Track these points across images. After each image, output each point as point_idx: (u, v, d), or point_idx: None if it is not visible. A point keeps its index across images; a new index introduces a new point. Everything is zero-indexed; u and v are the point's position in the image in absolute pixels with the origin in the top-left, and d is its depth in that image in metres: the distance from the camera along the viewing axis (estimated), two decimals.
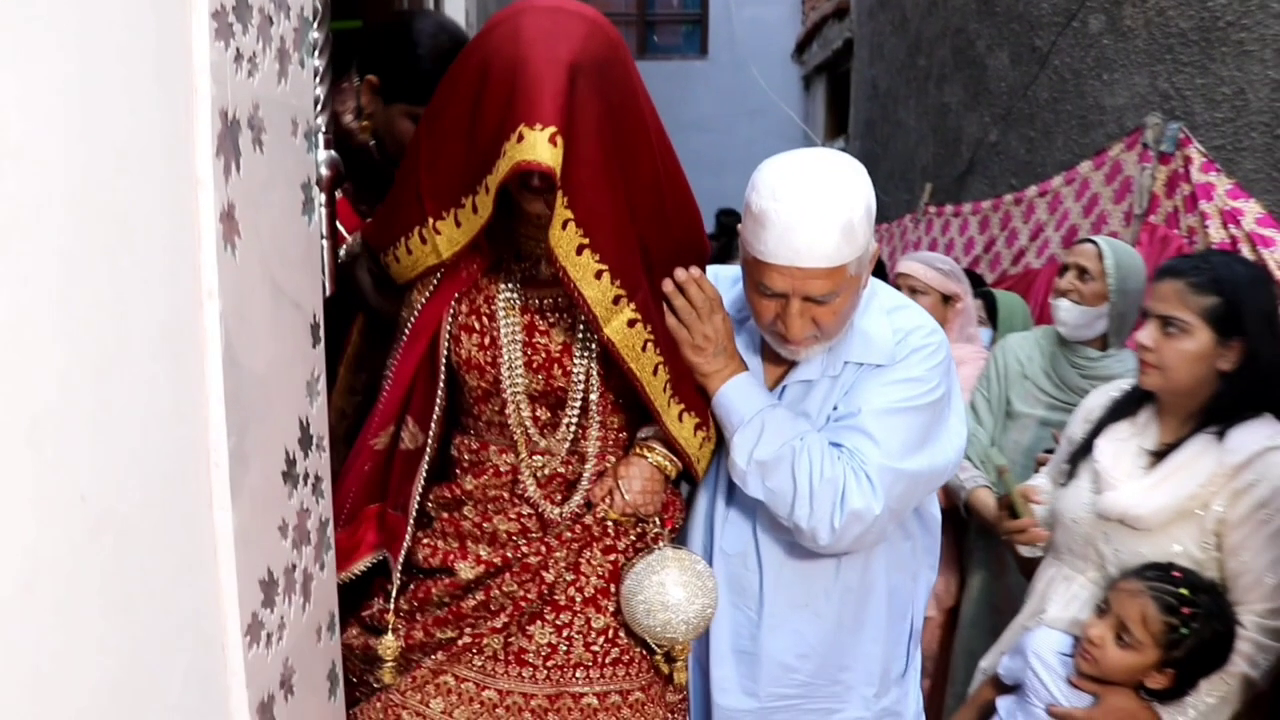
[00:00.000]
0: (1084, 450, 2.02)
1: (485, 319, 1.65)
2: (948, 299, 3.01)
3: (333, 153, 1.43)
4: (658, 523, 1.68)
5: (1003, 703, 1.95)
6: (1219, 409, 1.87)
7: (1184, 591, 1.73)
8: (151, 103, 0.96)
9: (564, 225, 1.44)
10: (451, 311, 1.66)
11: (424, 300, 1.66)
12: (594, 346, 1.61)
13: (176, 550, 1.02)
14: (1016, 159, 5.07)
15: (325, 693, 1.42)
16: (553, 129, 1.36)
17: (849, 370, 1.71)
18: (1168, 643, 1.72)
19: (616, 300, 1.51)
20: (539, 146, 1.36)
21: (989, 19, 5.44)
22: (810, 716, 1.78)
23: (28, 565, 0.78)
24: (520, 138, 1.37)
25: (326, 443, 1.40)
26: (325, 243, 1.43)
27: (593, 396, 1.64)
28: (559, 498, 1.67)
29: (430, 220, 1.58)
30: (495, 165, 1.42)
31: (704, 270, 1.72)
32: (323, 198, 1.41)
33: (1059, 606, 1.99)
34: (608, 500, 1.64)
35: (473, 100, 1.47)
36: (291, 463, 1.27)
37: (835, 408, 1.71)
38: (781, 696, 1.77)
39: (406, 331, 1.67)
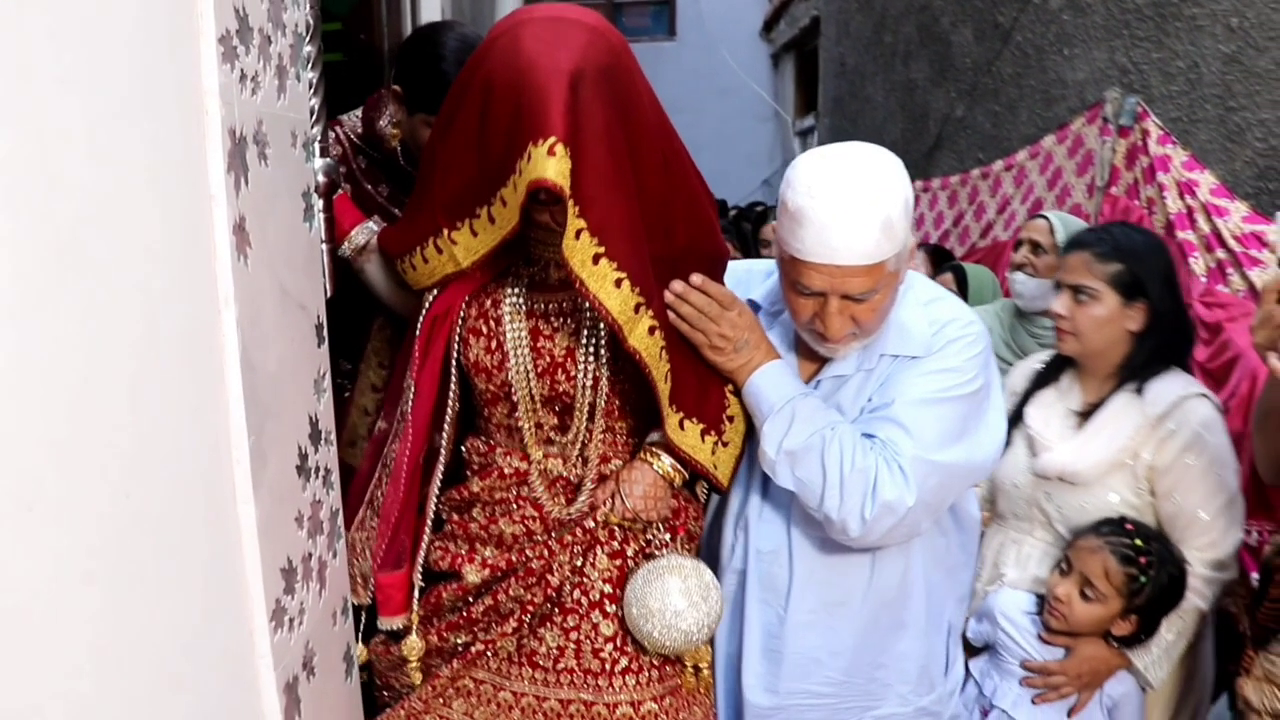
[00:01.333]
0: (1015, 420, 2.14)
1: (493, 322, 1.65)
2: None
3: (328, 160, 1.50)
4: (662, 529, 1.66)
5: (975, 664, 2.05)
6: (1133, 366, 2.02)
7: (1138, 542, 1.86)
8: (170, 127, 1.03)
9: (577, 235, 1.43)
10: (461, 315, 1.67)
11: (431, 298, 1.67)
12: (601, 352, 1.60)
13: (207, 541, 1.10)
14: (982, 133, 5.16)
15: (343, 674, 1.50)
16: (554, 140, 1.36)
17: (884, 363, 1.67)
18: (1130, 592, 1.84)
19: (638, 308, 1.50)
20: (546, 163, 1.36)
21: None
22: (845, 715, 1.76)
23: (87, 559, 0.86)
24: (529, 157, 1.38)
25: (334, 437, 1.48)
26: (324, 246, 1.50)
27: (599, 401, 1.63)
28: (565, 500, 1.67)
29: (445, 231, 1.59)
30: (511, 180, 1.43)
31: (724, 269, 1.71)
32: (321, 204, 1.49)
33: (1016, 569, 2.10)
34: (609, 504, 1.63)
35: (479, 114, 1.47)
36: (304, 457, 1.35)
37: (870, 400, 1.67)
38: (813, 694, 1.74)
39: (417, 333, 1.67)
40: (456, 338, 1.67)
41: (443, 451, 1.69)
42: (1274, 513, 2.25)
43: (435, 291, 1.66)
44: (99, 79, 0.90)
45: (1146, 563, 1.84)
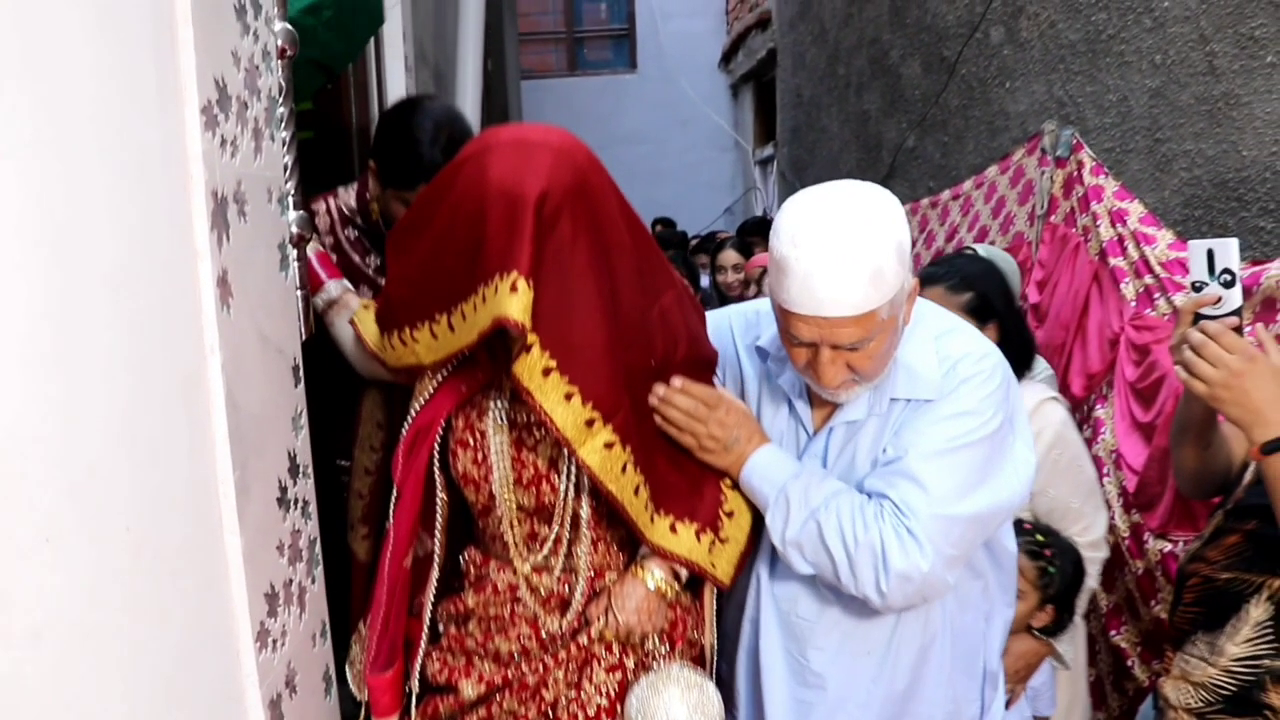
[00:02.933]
0: None
1: (478, 434, 1.64)
2: None
3: (302, 213, 1.61)
4: (659, 641, 1.66)
5: None
6: None
7: (1040, 537, 2.05)
8: (159, 192, 1.14)
9: (528, 349, 1.45)
10: (448, 425, 1.67)
11: (418, 409, 1.67)
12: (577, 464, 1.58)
13: (197, 569, 1.20)
14: (933, 163, 5.33)
15: (322, 692, 1.59)
16: (516, 274, 1.39)
17: (896, 407, 1.62)
18: (1042, 584, 2.01)
19: (590, 423, 1.49)
20: (506, 299, 1.39)
21: (900, 30, 5.71)
22: None
23: (94, 585, 0.96)
24: (496, 290, 1.41)
25: (311, 470, 1.58)
26: (300, 293, 1.61)
27: (582, 511, 1.61)
28: (557, 614, 1.66)
29: (407, 327, 1.61)
30: (472, 300, 1.46)
31: (713, 372, 1.72)
32: (294, 253, 1.59)
33: None
34: (602, 619, 1.62)
35: (444, 232, 1.50)
36: (284, 489, 1.45)
37: (885, 450, 1.61)
38: None
39: (402, 442, 1.66)
40: (439, 449, 1.66)
41: (436, 560, 1.70)
42: (1197, 523, 2.39)
43: (421, 401, 1.67)
44: (99, 150, 1.00)
45: (1051, 555, 2.02)
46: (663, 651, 1.66)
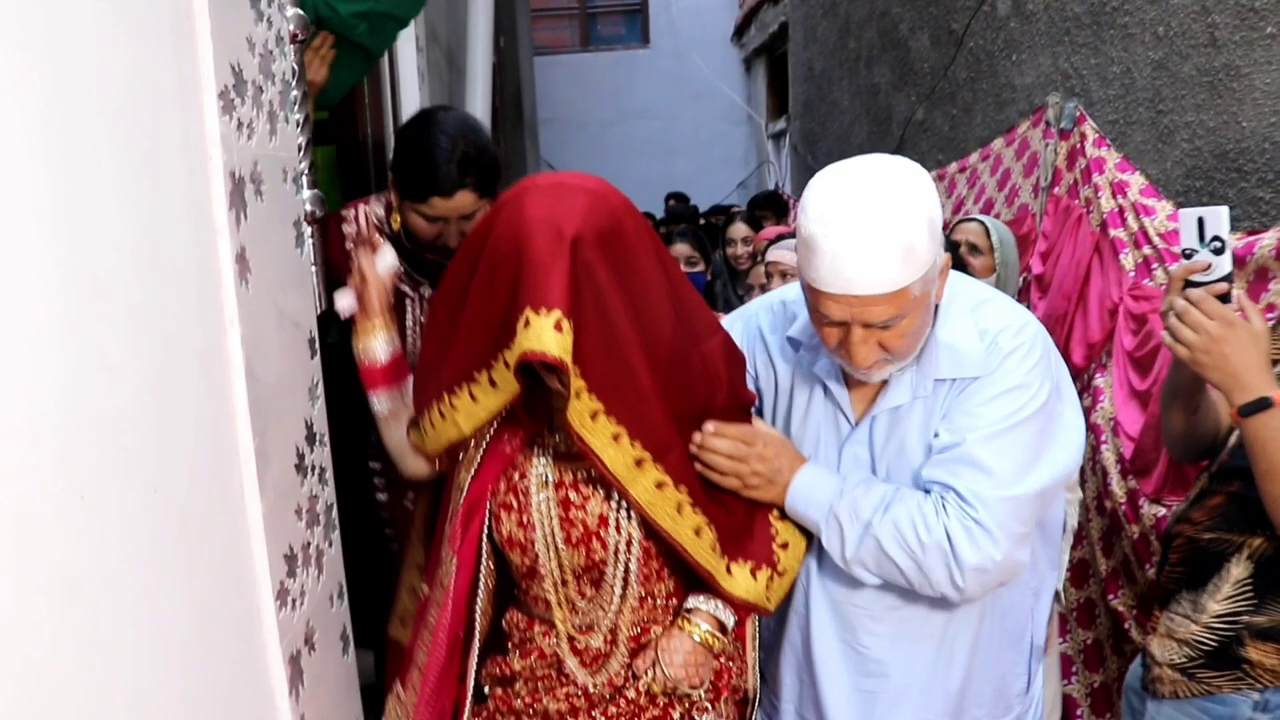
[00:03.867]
0: None
1: (522, 496, 1.63)
2: None
3: (316, 191, 1.67)
4: (705, 694, 1.66)
5: None
6: None
7: None
8: (181, 174, 1.20)
9: (578, 394, 1.45)
10: (491, 489, 1.65)
11: (469, 478, 1.65)
12: (634, 515, 1.57)
13: (220, 530, 1.27)
14: (941, 135, 5.35)
15: (339, 650, 1.67)
16: (558, 314, 1.37)
17: (942, 388, 1.58)
18: None
19: (639, 462, 1.49)
20: (545, 335, 1.36)
21: (910, 3, 5.72)
22: None
23: (126, 543, 1.03)
24: (527, 323, 1.38)
25: (327, 439, 1.65)
26: (315, 269, 1.68)
27: (632, 564, 1.60)
28: (602, 671, 1.65)
29: (445, 396, 1.58)
30: (511, 343, 1.42)
31: (749, 413, 1.68)
32: (309, 230, 1.66)
33: None
34: (650, 673, 1.61)
35: (483, 280, 1.48)
36: (301, 457, 1.52)
37: (937, 435, 1.58)
38: None
39: (458, 513, 1.65)
40: (489, 515, 1.66)
41: (478, 623, 1.68)
42: (1190, 488, 2.43)
43: (472, 474, 1.65)
44: (125, 135, 1.07)
45: None
46: (708, 704, 1.67)
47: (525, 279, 1.39)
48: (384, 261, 1.84)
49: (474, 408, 1.55)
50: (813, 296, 1.50)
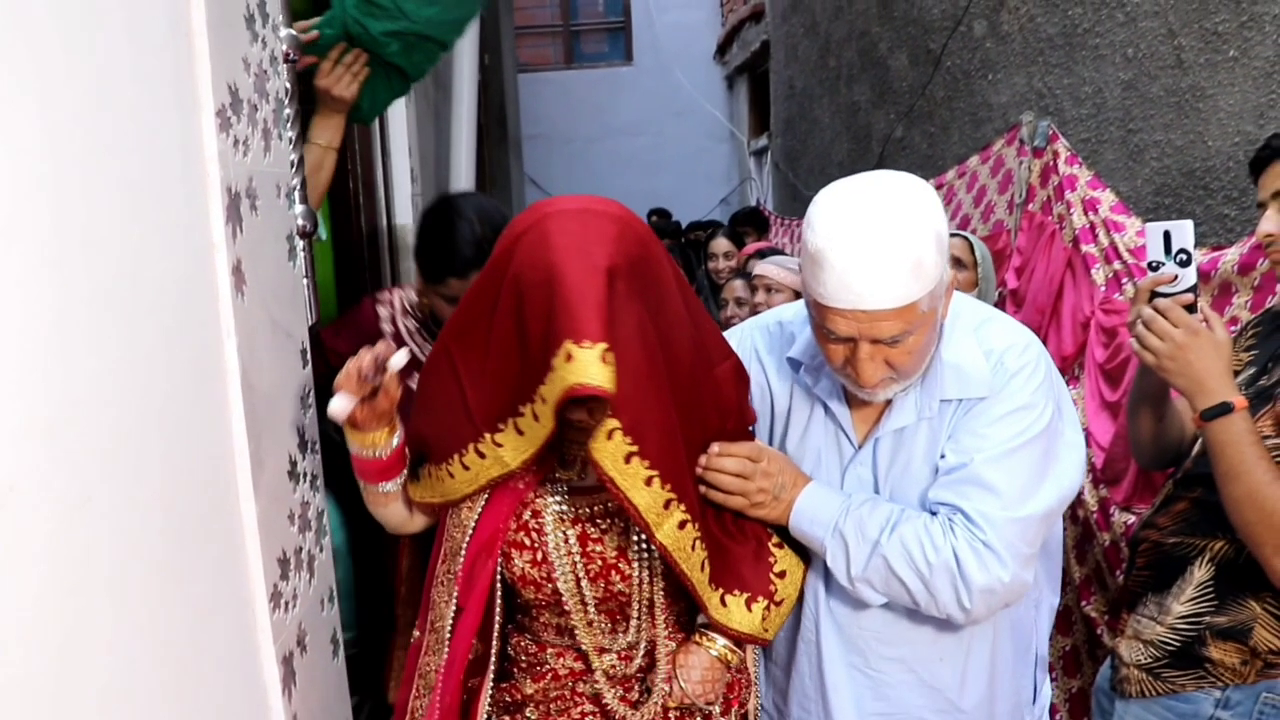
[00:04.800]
0: None
1: (535, 534, 1.59)
2: (799, 294, 3.32)
3: (308, 206, 1.72)
4: (718, 709, 1.66)
5: None
6: None
7: None
8: (181, 189, 1.25)
9: (610, 435, 1.38)
10: (501, 528, 1.62)
11: (475, 519, 1.61)
12: (652, 546, 1.53)
13: (218, 534, 1.31)
14: (920, 153, 5.44)
15: (330, 653, 1.71)
16: (603, 346, 1.30)
17: (948, 409, 1.58)
18: None
19: (667, 505, 1.45)
20: (591, 368, 1.29)
21: (888, 23, 5.82)
22: None
23: (126, 546, 1.07)
24: (569, 356, 1.30)
25: (318, 446, 1.69)
26: (306, 281, 1.72)
27: (655, 595, 1.58)
28: (623, 690, 1.66)
29: (486, 435, 1.51)
30: (547, 377, 1.35)
31: (751, 432, 1.67)
32: (302, 244, 1.70)
33: None
34: (666, 688, 1.61)
35: (509, 313, 1.41)
36: (294, 463, 1.56)
37: (943, 456, 1.57)
38: None
39: (462, 554, 1.61)
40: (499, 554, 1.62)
41: (491, 658, 1.65)
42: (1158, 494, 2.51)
43: (478, 515, 1.61)
44: (126, 152, 1.11)
45: None
46: (719, 714, 1.68)
47: (561, 310, 1.31)
48: (396, 362, 1.59)
49: (521, 442, 1.48)
50: (819, 313, 1.48)
